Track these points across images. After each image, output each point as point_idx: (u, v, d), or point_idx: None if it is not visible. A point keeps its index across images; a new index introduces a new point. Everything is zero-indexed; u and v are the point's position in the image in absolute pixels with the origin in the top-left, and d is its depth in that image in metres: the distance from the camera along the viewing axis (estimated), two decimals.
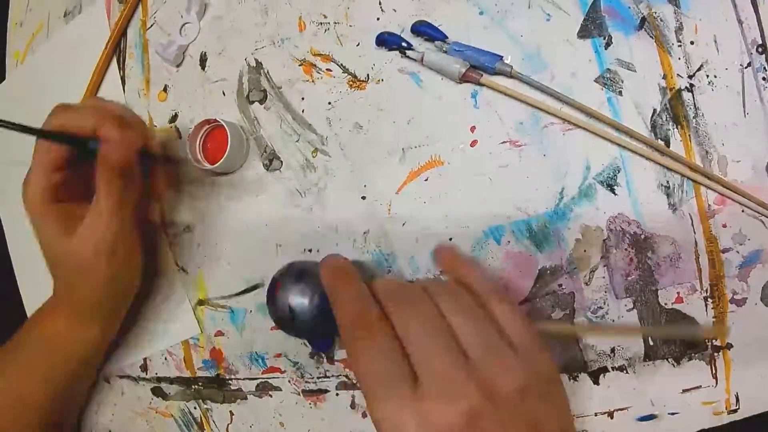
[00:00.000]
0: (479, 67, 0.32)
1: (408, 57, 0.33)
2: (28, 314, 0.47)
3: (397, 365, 0.21)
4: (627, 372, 0.31)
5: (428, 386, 0.20)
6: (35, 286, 0.47)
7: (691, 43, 0.30)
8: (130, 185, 0.30)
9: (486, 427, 0.19)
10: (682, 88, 0.30)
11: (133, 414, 0.42)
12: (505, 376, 0.20)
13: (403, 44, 0.33)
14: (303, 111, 0.36)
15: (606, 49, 0.31)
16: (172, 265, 0.40)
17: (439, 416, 0.19)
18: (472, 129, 0.32)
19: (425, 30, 0.33)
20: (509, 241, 0.32)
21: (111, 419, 0.43)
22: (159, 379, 0.41)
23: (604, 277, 0.31)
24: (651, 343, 0.30)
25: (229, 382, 0.39)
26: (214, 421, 0.40)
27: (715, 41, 0.30)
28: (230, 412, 0.39)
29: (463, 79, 0.32)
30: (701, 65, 0.30)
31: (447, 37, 0.32)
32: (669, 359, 0.30)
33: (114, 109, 0.31)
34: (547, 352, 0.23)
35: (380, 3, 0.34)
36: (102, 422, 0.43)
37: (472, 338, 0.21)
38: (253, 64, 0.37)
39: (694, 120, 0.30)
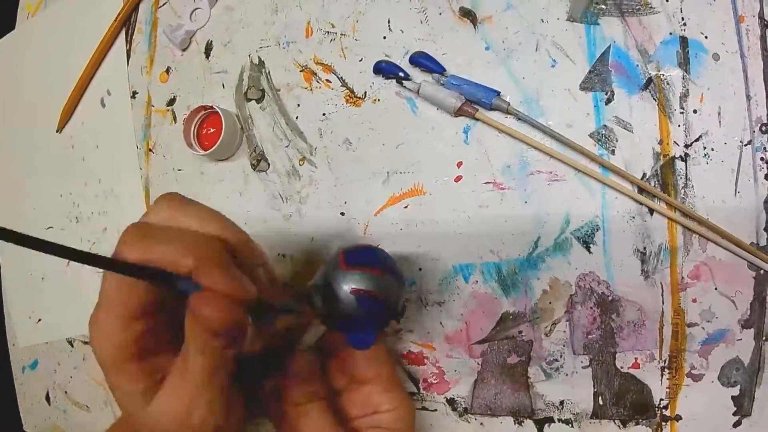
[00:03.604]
0: (475, 102, 0.31)
1: (405, 87, 0.33)
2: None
3: None
4: (572, 426, 0.31)
5: None
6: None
7: (694, 111, 0.29)
8: (235, 344, 0.21)
9: None
10: (677, 156, 0.29)
11: (92, 381, 0.43)
12: None
13: (401, 74, 0.33)
14: (297, 117, 0.36)
15: (606, 104, 0.30)
16: None
17: None
18: (459, 164, 0.32)
19: (423, 62, 0.32)
20: (477, 281, 0.32)
21: (69, 381, 0.44)
22: None
23: (564, 331, 0.31)
24: (601, 402, 0.30)
25: None
26: None
27: (719, 113, 0.29)
28: None
29: (458, 113, 0.31)
30: (700, 136, 0.29)
31: (445, 70, 0.32)
32: (616, 420, 0.30)
33: (221, 239, 0.22)
34: None
35: (389, 22, 0.34)
36: (60, 382, 0.44)
37: None
38: (256, 61, 0.37)
39: (682, 190, 0.29)
